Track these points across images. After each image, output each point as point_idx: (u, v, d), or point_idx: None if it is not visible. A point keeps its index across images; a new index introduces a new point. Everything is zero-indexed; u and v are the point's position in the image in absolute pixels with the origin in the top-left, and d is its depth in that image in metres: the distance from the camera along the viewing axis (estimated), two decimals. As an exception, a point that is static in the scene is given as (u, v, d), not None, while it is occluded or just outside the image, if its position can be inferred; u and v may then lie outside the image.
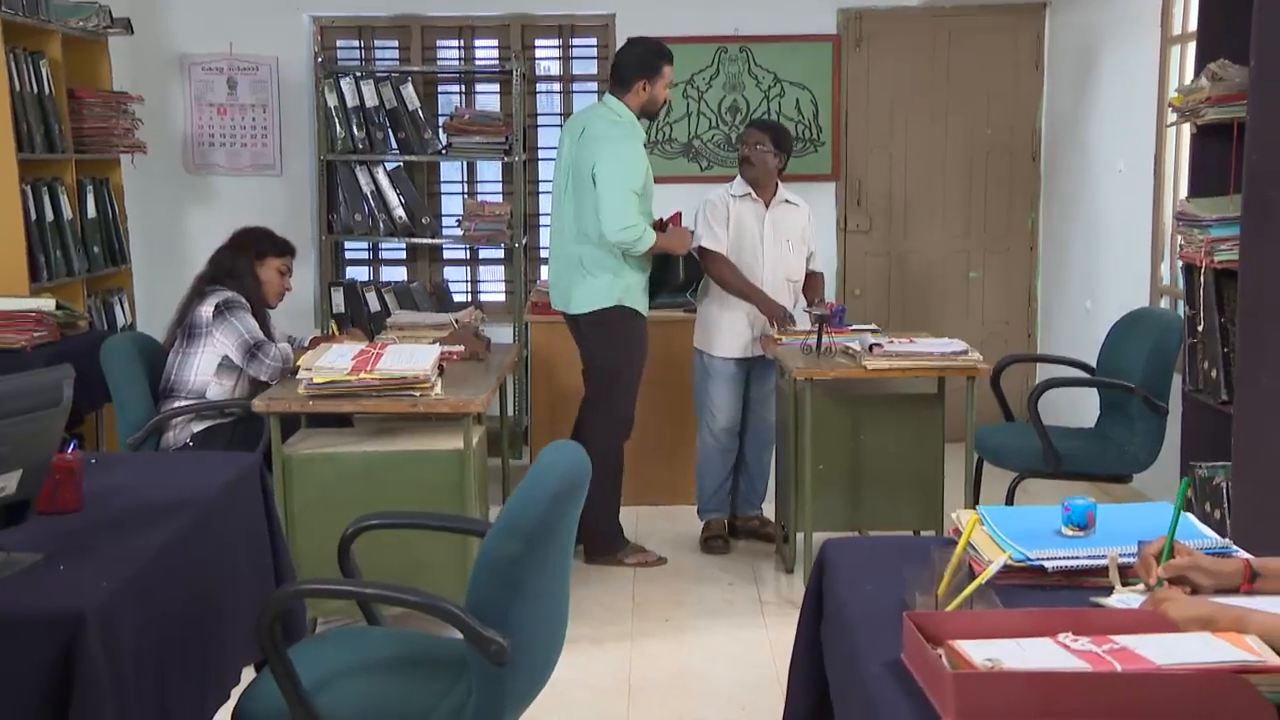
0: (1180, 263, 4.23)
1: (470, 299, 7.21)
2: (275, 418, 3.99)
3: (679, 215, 5.33)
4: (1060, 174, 6.81)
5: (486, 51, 7.11)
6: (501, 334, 6.85)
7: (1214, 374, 3.98)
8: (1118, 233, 6.05)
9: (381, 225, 6.65)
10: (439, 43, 7.06)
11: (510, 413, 6.65)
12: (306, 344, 4.72)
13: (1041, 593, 2.17)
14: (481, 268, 7.25)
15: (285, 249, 4.74)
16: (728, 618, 4.56)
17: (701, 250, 5.23)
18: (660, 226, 5.06)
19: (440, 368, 4.27)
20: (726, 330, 5.27)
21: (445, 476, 4.03)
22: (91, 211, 5.28)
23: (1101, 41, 6.27)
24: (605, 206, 4.84)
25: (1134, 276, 5.80)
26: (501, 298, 7.16)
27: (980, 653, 1.75)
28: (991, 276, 7.15)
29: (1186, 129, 4.74)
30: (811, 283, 5.38)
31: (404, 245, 7.11)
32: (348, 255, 7.19)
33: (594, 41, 7.09)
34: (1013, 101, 7.01)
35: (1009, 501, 4.72)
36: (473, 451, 4.05)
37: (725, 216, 5.23)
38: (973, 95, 7.01)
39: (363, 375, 3.99)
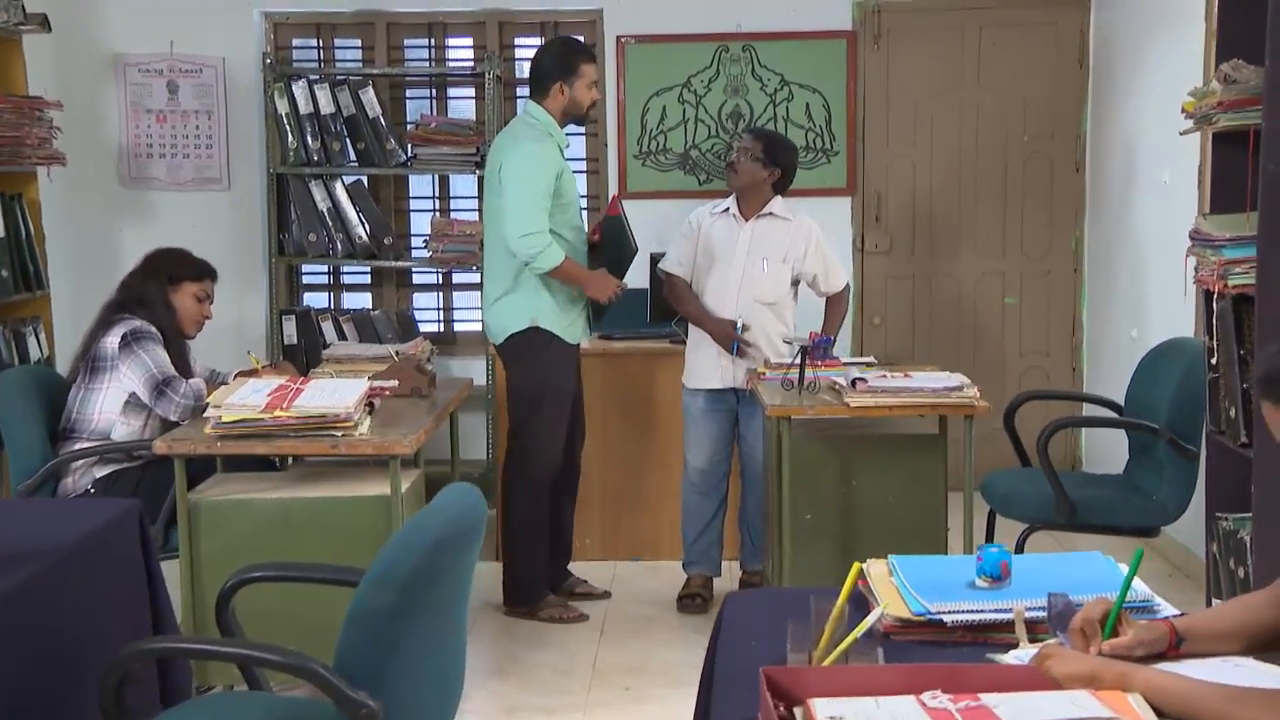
0: (1196, 288, 4.28)
1: (441, 329, 7.35)
2: (181, 461, 4.11)
3: (616, 199, 5.49)
4: (1107, 186, 6.88)
5: (460, 51, 7.27)
6: (475, 369, 6.99)
7: (1232, 412, 4.02)
8: (1162, 252, 6.10)
9: (339, 246, 6.80)
10: (407, 42, 7.24)
11: (486, 456, 6.79)
12: (231, 380, 4.84)
13: (940, 649, 2.25)
14: (456, 294, 7.38)
15: (203, 272, 4.88)
16: (694, 687, 4.62)
17: (667, 274, 5.46)
18: (595, 239, 5.26)
19: (370, 405, 4.39)
20: (699, 359, 5.42)
21: (371, 525, 4.14)
22: (0, 230, 5.43)
23: (1148, 36, 6.33)
24: (507, 209, 5.03)
25: (1176, 302, 5.85)
26: (477, 327, 7.27)
27: (828, 711, 1.84)
28: (1031, 302, 7.22)
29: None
30: (829, 307, 5.50)
31: (368, 269, 7.26)
32: (305, 280, 7.36)
33: (581, 39, 7.21)
34: (1053, 104, 7.10)
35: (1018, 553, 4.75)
36: (401, 498, 4.16)
37: (693, 235, 5.40)
38: (1008, 97, 7.11)
39: (277, 413, 4.10)
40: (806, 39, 7.01)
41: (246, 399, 4.17)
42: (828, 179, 7.06)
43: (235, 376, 4.89)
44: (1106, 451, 5.83)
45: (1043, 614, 2.26)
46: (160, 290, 4.77)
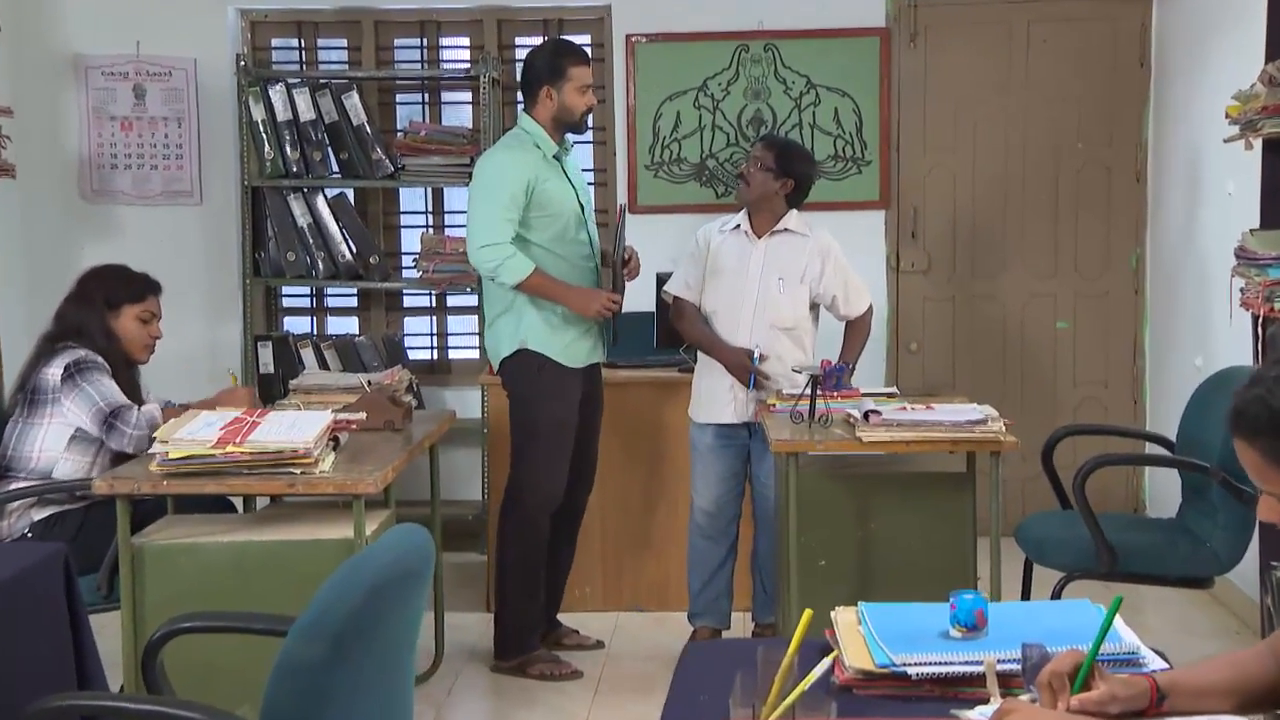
0: (1244, 311, 4.30)
1: (434, 356, 7.43)
2: (124, 501, 4.17)
3: (623, 210, 5.57)
4: (1170, 198, 6.89)
5: (455, 52, 7.36)
6: (471, 401, 7.05)
7: (1281, 448, 4.03)
8: (1227, 271, 6.09)
9: (321, 266, 6.88)
10: (397, 41, 7.34)
11: (481, 496, 6.85)
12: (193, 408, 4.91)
13: (904, 704, 2.28)
14: (450, 318, 7.46)
15: (144, 290, 4.96)
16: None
17: (674, 298, 5.52)
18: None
19: (335, 440, 4.45)
20: (705, 390, 5.47)
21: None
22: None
23: (1215, 32, 6.33)
24: (469, 220, 5.18)
25: (1242, 326, 5.84)
26: (474, 354, 7.35)
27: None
28: (1086, 328, 7.23)
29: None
30: (849, 332, 5.54)
31: (354, 291, 7.35)
32: (285, 303, 7.45)
33: (587, 39, 7.29)
34: (1111, 108, 7.13)
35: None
36: (366, 541, 4.20)
37: (701, 254, 5.45)
38: (1060, 101, 7.15)
39: (230, 449, 4.16)
40: (835, 37, 7.07)
41: (197, 433, 4.22)
42: (859, 191, 7.10)
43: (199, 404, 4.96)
44: (1171, 494, 5.83)
45: (1017, 666, 2.29)
46: (98, 318, 4.85)
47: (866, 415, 4.54)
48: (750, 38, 7.08)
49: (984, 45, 7.15)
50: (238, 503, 5.18)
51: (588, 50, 7.02)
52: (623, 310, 5.33)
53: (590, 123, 5.52)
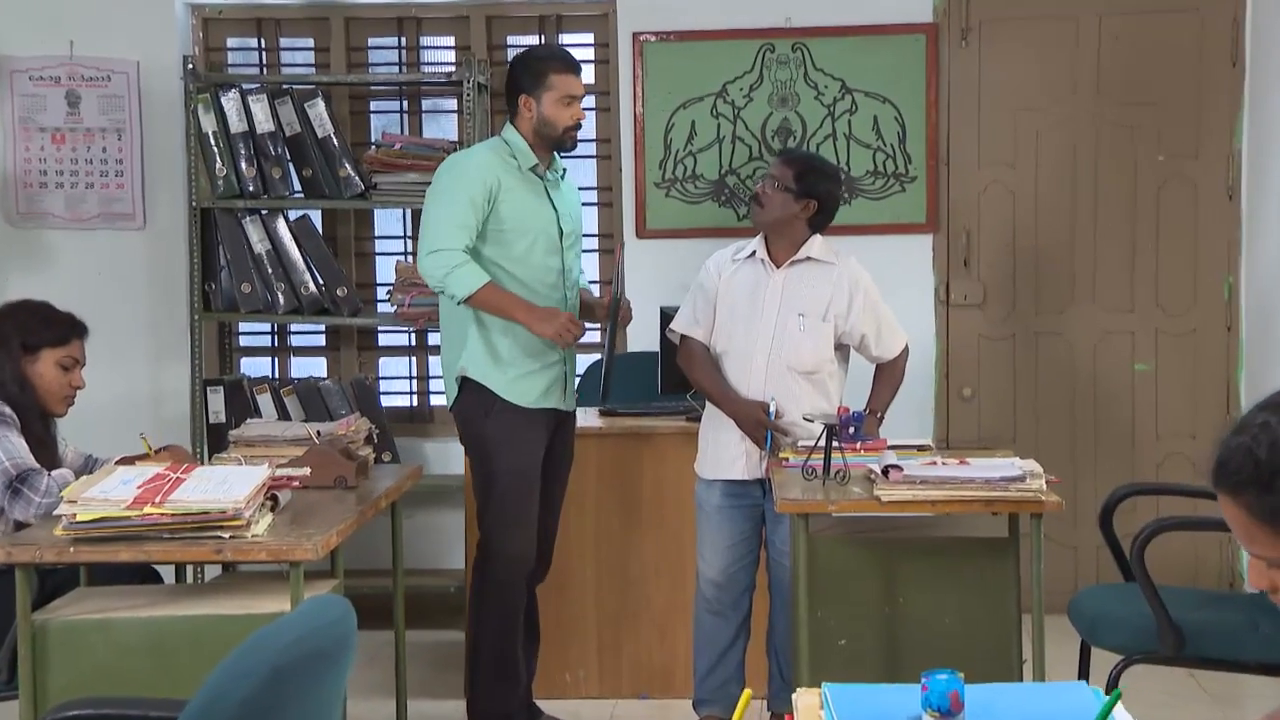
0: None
1: (413, 402, 7.46)
2: (26, 571, 4.19)
3: (620, 250, 5.61)
4: (1268, 218, 6.89)
5: (438, 53, 7.43)
6: (453, 455, 7.05)
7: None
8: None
9: (281, 299, 6.92)
10: (371, 41, 7.42)
11: (463, 565, 6.86)
12: (113, 465, 4.93)
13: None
14: (432, 359, 7.49)
15: (68, 333, 5.00)
16: None
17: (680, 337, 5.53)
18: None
19: (273, 498, 4.49)
20: (716, 441, 5.46)
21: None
22: None
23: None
24: (421, 227, 5.33)
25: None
26: (458, 400, 7.37)
27: None
28: (1171, 370, 7.20)
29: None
30: (878, 376, 5.55)
31: (321, 327, 7.40)
32: (243, 342, 7.51)
33: (589, 39, 7.37)
34: (1198, 115, 7.12)
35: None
36: (302, 617, 4.23)
37: (711, 287, 5.45)
38: (1137, 107, 7.14)
39: (147, 510, 4.18)
40: (874, 34, 7.08)
41: (110, 492, 4.23)
42: (902, 212, 7.11)
43: (118, 462, 4.98)
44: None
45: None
46: (11, 363, 4.89)
47: (886, 471, 4.54)
48: (776, 36, 7.10)
49: (1047, 42, 7.14)
50: (167, 572, 5.22)
51: (589, 51, 7.24)
52: (616, 353, 5.37)
53: (578, 139, 5.57)
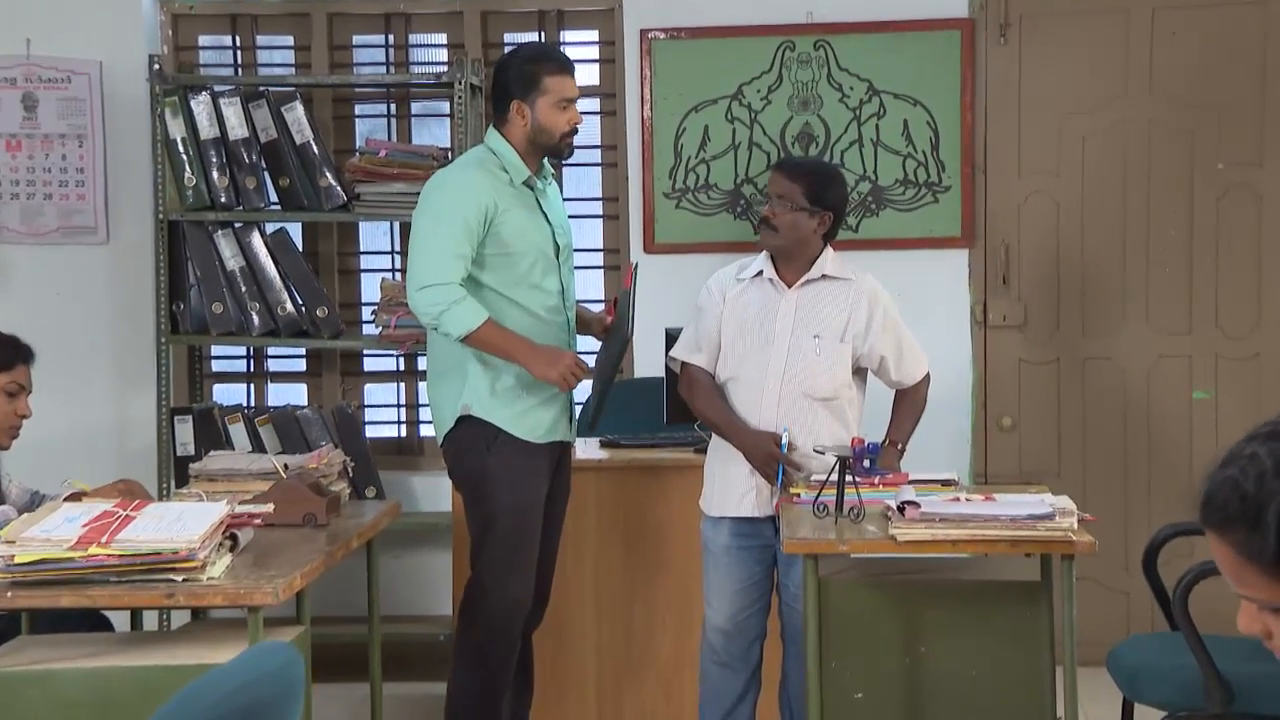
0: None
1: (401, 433, 7.42)
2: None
3: (632, 271, 5.59)
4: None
5: (429, 52, 7.41)
6: (445, 491, 6.99)
7: None
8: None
9: (256, 320, 6.89)
10: (356, 39, 7.40)
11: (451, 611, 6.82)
12: (60, 502, 4.90)
13: None
14: (423, 385, 7.43)
15: (11, 359, 5.00)
16: None
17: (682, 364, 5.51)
18: (609, 321, 5.36)
19: (233, 537, 4.45)
20: (723, 476, 5.42)
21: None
22: None
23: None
24: (410, 254, 5.27)
25: None
26: (450, 430, 7.34)
27: None
28: (1232, 398, 7.13)
29: None
30: (898, 403, 5.51)
31: (301, 351, 7.37)
32: (215, 367, 7.49)
33: (593, 36, 7.35)
34: (1261, 118, 7.05)
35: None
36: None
37: (716, 309, 5.42)
38: (1194, 109, 7.07)
39: (93, 550, 4.14)
40: (905, 31, 7.04)
41: (53, 531, 4.19)
42: (935, 225, 7.06)
43: (67, 499, 4.95)
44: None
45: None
46: None
47: (902, 508, 4.49)
48: (797, 33, 7.06)
49: (1095, 38, 7.08)
50: (119, 619, 5.18)
51: (593, 49, 7.23)
52: (612, 383, 5.34)
53: (574, 145, 5.55)
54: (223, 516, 4.41)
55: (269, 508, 4.78)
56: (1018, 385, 7.20)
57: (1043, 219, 7.16)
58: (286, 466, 5.24)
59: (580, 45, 7.29)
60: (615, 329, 5.44)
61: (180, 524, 4.31)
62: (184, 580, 4.17)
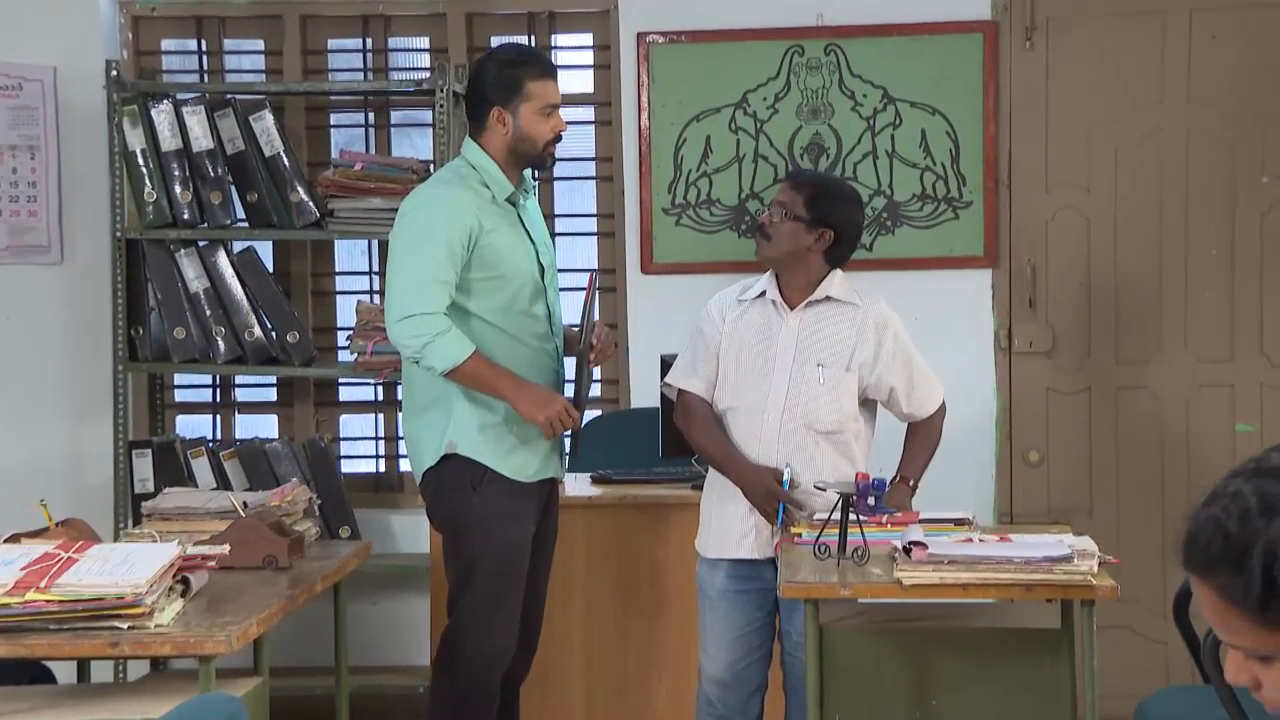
0: None
1: (380, 468, 7.39)
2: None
3: (592, 278, 5.55)
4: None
5: (410, 56, 7.40)
6: (422, 529, 6.96)
7: None
8: None
9: (222, 346, 6.85)
10: (331, 43, 7.39)
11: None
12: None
13: None
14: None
15: None
16: None
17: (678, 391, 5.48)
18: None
19: (184, 581, 4.41)
20: (720, 514, 5.40)
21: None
22: None
23: None
24: (388, 281, 5.22)
25: None
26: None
27: None
28: (1278, 431, 7.07)
29: None
30: (910, 437, 5.49)
31: (272, 380, 7.33)
32: (179, 397, 7.46)
33: (587, 40, 7.34)
34: (1308, 128, 7.03)
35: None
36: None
37: (715, 332, 5.39)
38: (1236, 118, 7.05)
39: (31, 595, 4.12)
40: (922, 34, 7.02)
41: (-11, 575, 4.20)
42: (955, 243, 7.03)
43: (7, 539, 4.92)
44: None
45: None
46: None
47: (907, 549, 4.44)
48: (806, 36, 7.03)
49: (1128, 42, 7.05)
50: (64, 669, 5.15)
51: (587, 54, 7.22)
52: (585, 412, 5.33)
53: (556, 156, 5.52)
54: (173, 559, 4.39)
55: (224, 549, 4.75)
56: (1045, 417, 7.16)
57: (1072, 237, 7.12)
58: (245, 504, 5.22)
59: (573, 50, 7.29)
60: (570, 344, 5.46)
61: (127, 567, 4.29)
62: (130, 628, 4.17)
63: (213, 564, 4.69)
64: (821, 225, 5.31)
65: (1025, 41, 7.06)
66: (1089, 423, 7.15)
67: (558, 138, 5.39)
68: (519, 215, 5.34)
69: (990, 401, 7.05)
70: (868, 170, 6.96)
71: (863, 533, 4.72)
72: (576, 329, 5.41)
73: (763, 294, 5.39)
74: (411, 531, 7.11)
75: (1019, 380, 7.14)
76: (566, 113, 7.09)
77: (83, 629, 4.15)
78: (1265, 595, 1.93)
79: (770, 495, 5.19)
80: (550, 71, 5.40)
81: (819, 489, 5.05)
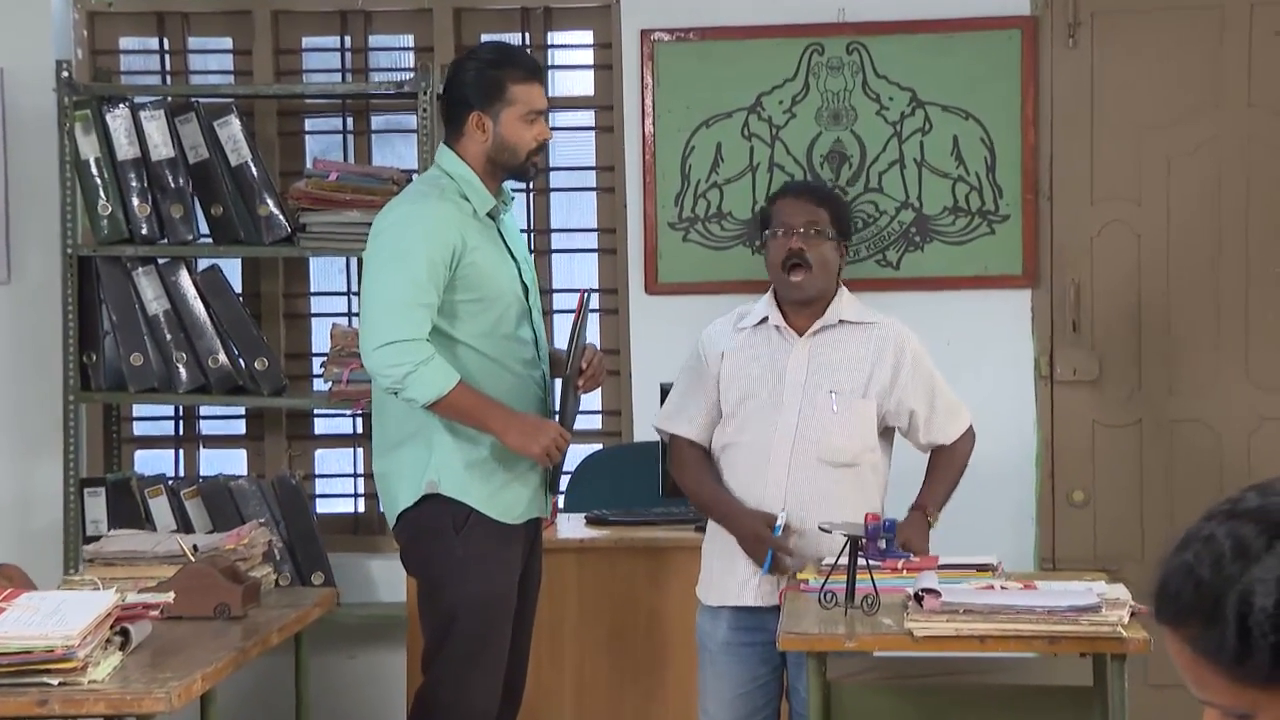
0: None
1: (357, 507, 7.39)
2: None
3: (584, 296, 5.52)
4: None
5: (394, 56, 7.41)
6: (400, 573, 6.97)
7: None
8: None
9: (183, 374, 6.86)
10: (306, 42, 7.41)
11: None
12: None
13: None
14: (381, 450, 7.44)
15: None
16: None
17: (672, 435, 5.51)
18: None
19: (124, 632, 4.41)
20: (718, 557, 5.41)
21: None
22: None
23: None
24: (363, 305, 5.23)
25: None
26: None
27: None
28: (1349, 468, 7.07)
29: None
30: (933, 465, 5.49)
31: (240, 411, 7.33)
32: (137, 430, 7.47)
33: (587, 38, 7.34)
34: (1379, 135, 7.02)
35: None
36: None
37: (710, 369, 5.42)
38: (1300, 125, 7.03)
39: (-45, 648, 4.13)
40: (954, 31, 7.03)
41: (-90, 628, 4.20)
42: (991, 260, 7.04)
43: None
44: None
45: None
46: None
47: (919, 596, 4.43)
48: (826, 34, 7.05)
49: (1182, 40, 7.05)
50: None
51: (588, 53, 7.23)
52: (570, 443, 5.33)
53: (540, 165, 5.58)
54: (110, 608, 4.37)
55: (168, 597, 4.74)
56: (1091, 453, 7.15)
57: (1120, 254, 7.11)
58: (196, 548, 5.20)
59: (571, 48, 7.30)
60: (558, 368, 5.45)
61: (58, 617, 4.27)
62: (60, 684, 4.13)
63: (156, 613, 4.67)
64: (844, 237, 5.35)
65: (1068, 39, 7.06)
66: (1139, 460, 7.14)
67: (542, 146, 5.38)
68: (499, 230, 5.34)
69: (1030, 436, 7.04)
70: (894, 180, 6.97)
71: (873, 579, 4.69)
72: (564, 352, 5.40)
73: (764, 320, 5.37)
74: (391, 578, 7.06)
75: (1061, 412, 7.13)
76: (564, 117, 7.22)
77: (8, 685, 4.11)
78: (1240, 648, 1.90)
79: (758, 540, 5.19)
80: (535, 73, 5.39)
81: (824, 530, 5.03)
